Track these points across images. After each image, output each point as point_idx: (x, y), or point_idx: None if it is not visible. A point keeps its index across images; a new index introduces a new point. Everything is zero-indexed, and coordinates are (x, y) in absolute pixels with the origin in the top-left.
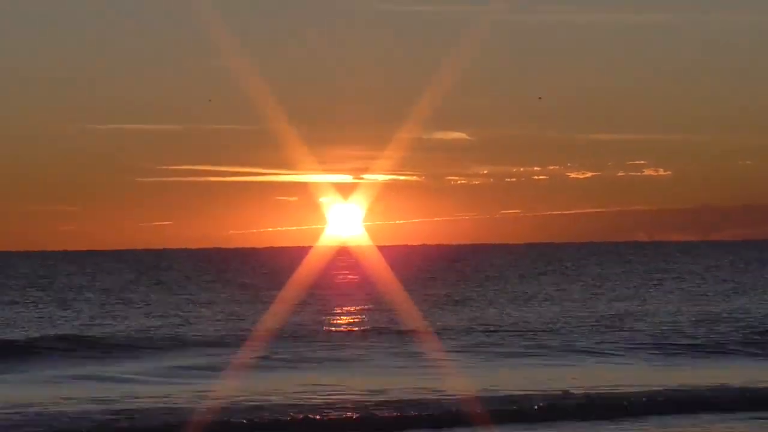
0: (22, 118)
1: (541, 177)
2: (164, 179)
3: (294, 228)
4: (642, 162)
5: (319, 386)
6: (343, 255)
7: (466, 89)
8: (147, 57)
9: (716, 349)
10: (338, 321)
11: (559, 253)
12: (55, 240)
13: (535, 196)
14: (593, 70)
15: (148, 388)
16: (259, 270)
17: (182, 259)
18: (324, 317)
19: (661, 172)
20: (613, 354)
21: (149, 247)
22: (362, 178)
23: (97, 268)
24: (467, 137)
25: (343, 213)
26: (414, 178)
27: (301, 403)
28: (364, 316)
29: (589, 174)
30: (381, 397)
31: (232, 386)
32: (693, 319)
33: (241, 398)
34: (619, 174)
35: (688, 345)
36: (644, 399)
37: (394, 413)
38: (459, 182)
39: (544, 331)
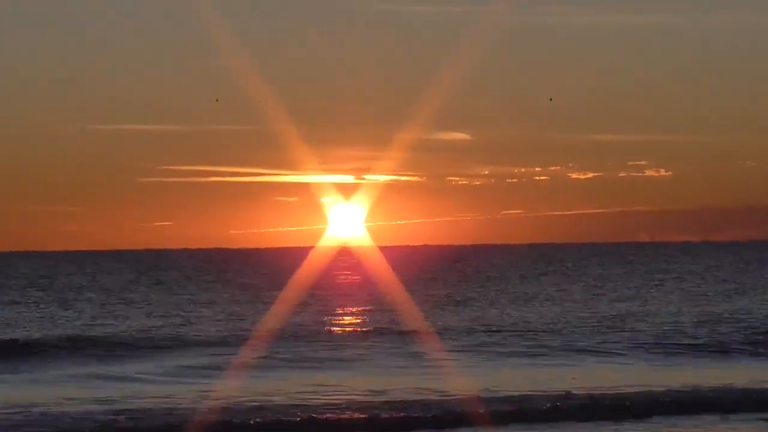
0: (22, 118)
1: (542, 177)
2: (165, 179)
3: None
4: (643, 162)
5: (322, 387)
6: (344, 255)
7: (468, 90)
8: (147, 57)
9: (718, 350)
10: (339, 321)
11: (561, 254)
12: (57, 240)
13: (537, 197)
14: (594, 71)
15: (150, 388)
16: (260, 270)
17: (183, 259)
18: (325, 317)
19: (663, 172)
20: (614, 354)
21: (150, 247)
22: (363, 179)
23: (98, 268)
24: (469, 138)
25: (345, 213)
26: (415, 178)
27: (304, 403)
28: (365, 317)
29: (590, 174)
30: (383, 398)
31: (234, 386)
32: (695, 319)
33: (244, 398)
34: (621, 174)
35: (690, 345)
36: (647, 399)
37: (397, 414)
38: (460, 183)
39: (545, 331)
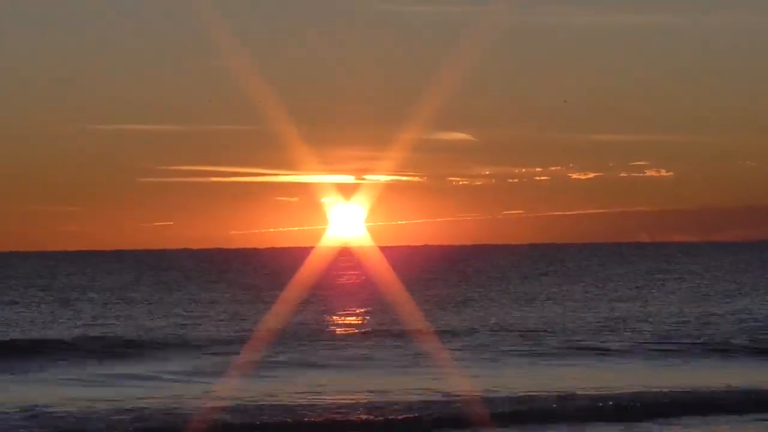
0: (22, 118)
1: (543, 178)
2: (165, 180)
3: (295, 228)
4: (644, 163)
5: (324, 387)
6: (345, 256)
7: (469, 90)
8: (147, 57)
9: (720, 350)
10: (341, 322)
11: (561, 254)
12: (56, 240)
13: (538, 197)
14: (595, 71)
15: (153, 389)
16: (261, 270)
17: (183, 259)
18: (326, 318)
19: (663, 172)
20: (617, 355)
21: (150, 247)
22: (364, 179)
23: (99, 269)
24: (469, 138)
25: (345, 213)
26: (416, 178)
27: (307, 404)
28: (366, 317)
29: (591, 175)
30: (386, 398)
31: (237, 387)
32: (697, 320)
33: (247, 399)
34: (621, 175)
35: (691, 346)
36: (651, 400)
37: (400, 415)
38: (461, 183)
39: (546, 331)
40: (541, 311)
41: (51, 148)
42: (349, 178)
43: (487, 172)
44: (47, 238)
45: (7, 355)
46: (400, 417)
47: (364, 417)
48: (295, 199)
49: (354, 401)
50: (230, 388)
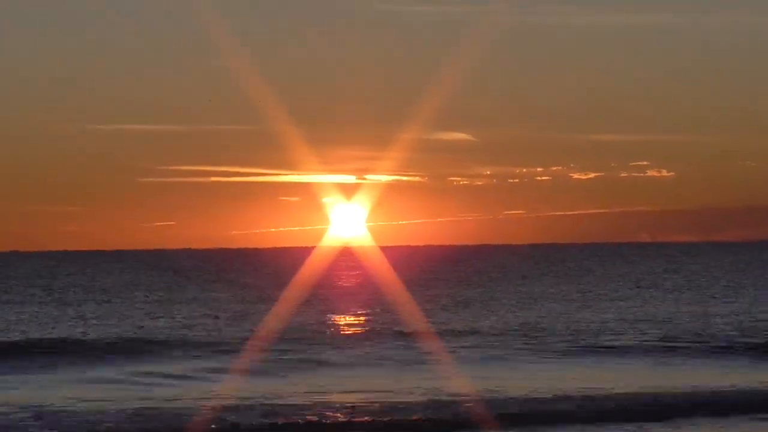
0: (22, 118)
1: (544, 178)
2: (167, 180)
3: (297, 228)
4: (645, 163)
5: (327, 389)
6: (346, 255)
7: (469, 90)
8: (147, 57)
9: (722, 350)
10: (343, 322)
11: (563, 254)
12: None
13: (538, 197)
14: (596, 71)
15: (156, 390)
16: (262, 270)
17: (184, 259)
18: (329, 319)
19: (664, 173)
20: (621, 355)
21: (151, 247)
22: (365, 179)
23: (100, 269)
24: (470, 138)
25: (346, 213)
26: (417, 178)
27: (310, 405)
28: (368, 318)
29: (592, 175)
30: (390, 400)
31: (240, 388)
32: (699, 320)
33: (250, 400)
34: (622, 175)
35: (696, 345)
36: (651, 401)
37: (403, 417)
38: (462, 183)
39: (548, 331)
40: (544, 312)
41: (51, 148)
42: (350, 178)
43: (488, 172)
44: (47, 238)
45: (8, 356)
46: (405, 418)
47: (368, 418)
48: (297, 199)
49: (358, 402)
50: (234, 389)
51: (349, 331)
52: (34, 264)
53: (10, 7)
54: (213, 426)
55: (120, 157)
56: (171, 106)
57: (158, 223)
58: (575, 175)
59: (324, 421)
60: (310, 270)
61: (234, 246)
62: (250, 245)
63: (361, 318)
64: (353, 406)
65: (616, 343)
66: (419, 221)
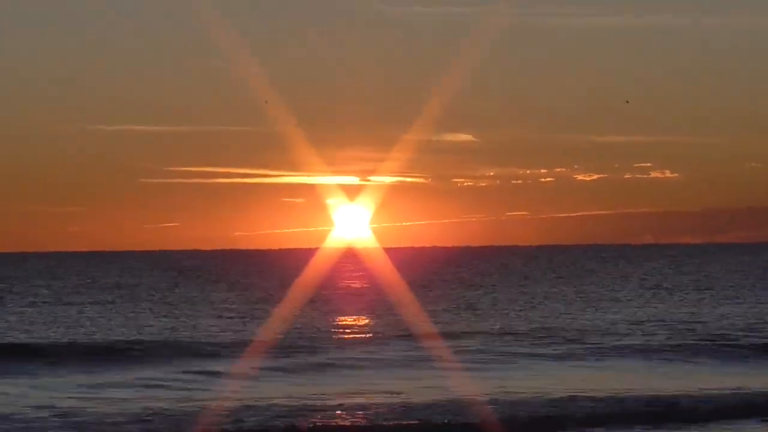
0: (22, 118)
1: (547, 179)
2: (170, 181)
3: (300, 230)
4: (648, 164)
5: (332, 390)
6: (350, 257)
7: (473, 91)
8: (147, 57)
9: (730, 351)
10: (348, 324)
11: (566, 255)
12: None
13: (542, 199)
14: (599, 72)
15: (161, 392)
16: (266, 272)
17: (189, 260)
18: (333, 321)
19: (668, 174)
20: (628, 356)
21: (155, 248)
22: (369, 180)
23: (105, 270)
24: (474, 139)
25: (350, 215)
26: (421, 179)
27: (314, 406)
28: (373, 320)
29: (595, 176)
30: (397, 401)
31: (248, 390)
32: (708, 320)
33: (254, 402)
34: (626, 176)
35: (703, 346)
36: (653, 401)
37: (411, 421)
38: (466, 184)
39: (553, 332)
40: (547, 312)
41: (51, 149)
42: (353, 180)
43: (492, 174)
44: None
45: (9, 357)
46: (411, 421)
47: (374, 419)
48: (300, 200)
49: (366, 404)
50: (241, 391)
51: (355, 332)
52: (36, 264)
53: (10, 7)
54: (223, 428)
55: (121, 158)
56: (172, 106)
57: (162, 225)
58: (579, 177)
59: (332, 423)
60: (314, 271)
61: (237, 247)
62: (254, 246)
63: (366, 320)
64: (367, 409)
65: (625, 345)
66: (423, 222)
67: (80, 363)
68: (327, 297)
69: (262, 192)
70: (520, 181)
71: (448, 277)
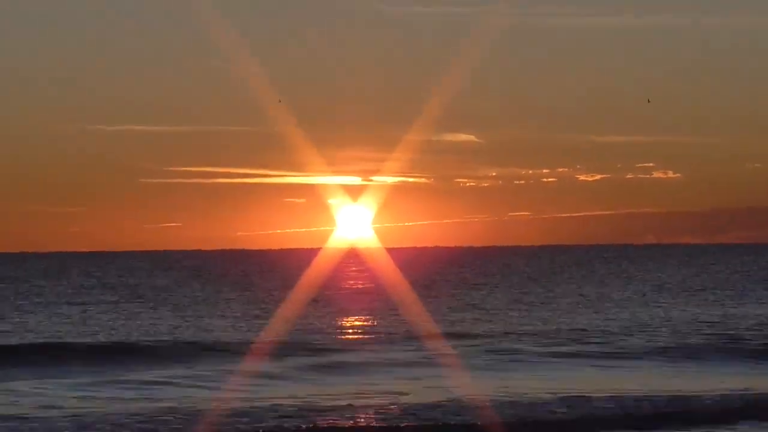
0: (22, 118)
1: (550, 179)
2: (171, 181)
3: (303, 230)
4: (651, 164)
5: (337, 392)
6: (352, 257)
7: (474, 91)
8: (147, 57)
9: (736, 352)
10: (352, 325)
11: (569, 255)
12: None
13: (544, 199)
14: (602, 72)
15: (166, 394)
16: (269, 272)
17: (189, 260)
18: (336, 321)
19: (670, 174)
20: (634, 358)
21: (157, 248)
22: (371, 180)
23: (106, 270)
24: (476, 139)
25: (352, 215)
26: (423, 180)
27: (319, 407)
28: (376, 320)
29: (597, 176)
30: (402, 401)
31: (254, 391)
32: (713, 322)
33: (258, 403)
34: (628, 176)
35: (710, 348)
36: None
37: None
38: (468, 184)
39: (554, 333)
40: (550, 313)
41: (52, 149)
42: (356, 180)
43: (494, 174)
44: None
45: (14, 358)
46: (414, 422)
47: (378, 420)
48: (302, 200)
49: (371, 406)
50: (243, 391)
51: (358, 333)
52: (37, 264)
53: (10, 7)
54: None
55: (121, 158)
56: (172, 106)
57: (164, 225)
58: (581, 177)
59: (341, 424)
60: (316, 271)
61: (239, 247)
62: (256, 247)
63: (369, 320)
64: (371, 409)
65: (631, 346)
66: (425, 223)
67: (85, 363)
68: (330, 297)
69: (263, 192)
70: (522, 182)
71: (451, 278)
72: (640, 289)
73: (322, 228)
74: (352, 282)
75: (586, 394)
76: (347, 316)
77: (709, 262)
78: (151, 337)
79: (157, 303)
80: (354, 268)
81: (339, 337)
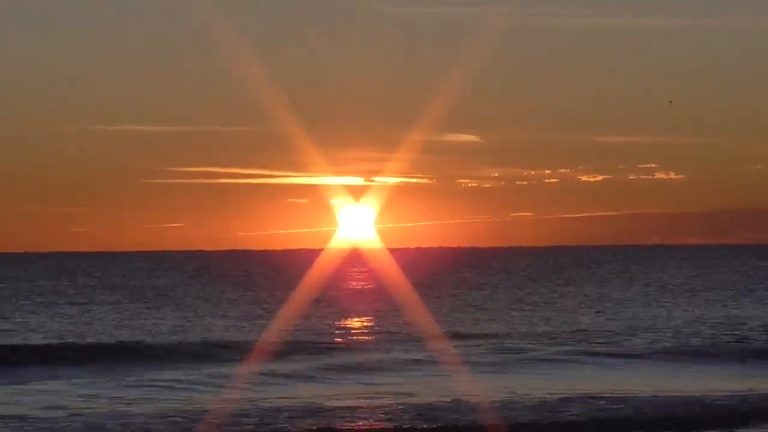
0: (22, 118)
1: (552, 180)
2: (171, 181)
3: (305, 230)
4: (653, 165)
5: (341, 393)
6: (354, 257)
7: (476, 91)
8: (147, 57)
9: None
10: (355, 326)
11: (571, 257)
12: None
13: (547, 199)
14: (602, 73)
15: (170, 395)
16: (271, 272)
17: (191, 261)
18: (339, 322)
19: (672, 175)
20: (640, 359)
21: (159, 248)
22: (373, 181)
23: (109, 270)
24: (478, 140)
25: (355, 215)
26: (425, 180)
27: (322, 409)
28: (379, 321)
29: (600, 177)
30: (405, 402)
31: (252, 393)
32: (716, 323)
33: (264, 404)
34: (631, 177)
35: (714, 349)
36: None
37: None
38: (470, 185)
39: (556, 334)
40: (554, 314)
41: (52, 149)
42: (358, 180)
43: (496, 174)
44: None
45: (18, 358)
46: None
47: (381, 421)
48: (305, 200)
49: (370, 405)
50: (246, 392)
51: (360, 334)
52: (38, 264)
53: (10, 7)
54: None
55: (121, 158)
56: (172, 106)
57: (165, 225)
58: (583, 178)
59: (344, 425)
60: (319, 272)
61: (242, 248)
62: (258, 247)
63: (372, 321)
64: (374, 410)
65: (637, 347)
66: (427, 223)
67: (89, 363)
68: (332, 297)
69: (266, 192)
70: (524, 182)
71: (454, 278)
72: (644, 289)
73: (324, 228)
74: (354, 282)
75: (593, 395)
76: (350, 317)
77: (713, 263)
78: (153, 338)
79: (160, 303)
80: (356, 269)
81: (342, 337)
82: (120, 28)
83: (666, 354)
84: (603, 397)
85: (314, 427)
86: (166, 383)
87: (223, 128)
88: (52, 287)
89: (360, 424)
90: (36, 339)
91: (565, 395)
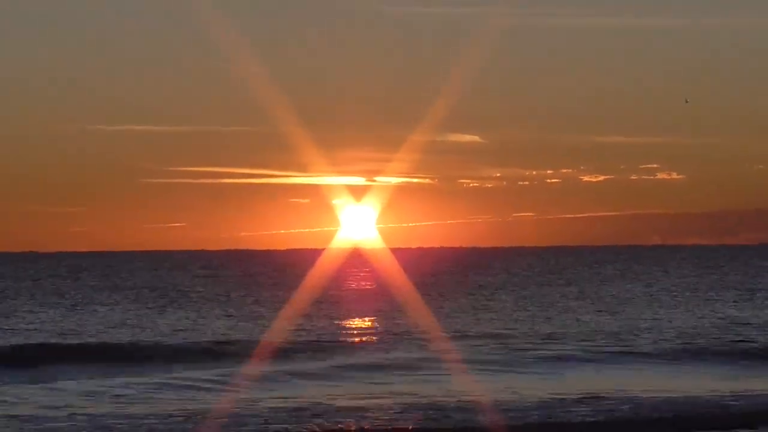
0: (22, 118)
1: (554, 180)
2: (171, 181)
3: (307, 230)
4: (655, 165)
5: (342, 394)
6: (356, 257)
7: (477, 92)
8: (147, 57)
9: (743, 355)
10: (356, 326)
11: (574, 257)
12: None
13: (548, 200)
14: (604, 73)
15: (172, 396)
16: (273, 272)
17: (193, 261)
18: (341, 323)
19: (674, 175)
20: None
21: (160, 248)
22: (375, 181)
23: (111, 271)
24: (480, 140)
25: (356, 215)
26: (427, 180)
27: (325, 409)
28: (381, 321)
29: (602, 177)
30: (407, 402)
31: (253, 393)
32: (719, 324)
33: (267, 404)
34: (632, 177)
35: (715, 350)
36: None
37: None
38: (472, 185)
39: (558, 334)
40: (556, 314)
41: (52, 149)
42: (360, 180)
43: (498, 175)
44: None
45: (22, 359)
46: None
47: (383, 422)
48: (307, 200)
49: (372, 405)
50: (250, 392)
51: (362, 334)
52: (38, 264)
53: (10, 7)
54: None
55: (122, 158)
56: (172, 106)
57: (168, 225)
58: (585, 178)
59: (346, 426)
60: (320, 272)
61: (244, 247)
62: (260, 247)
63: (374, 321)
64: (376, 411)
65: (639, 347)
66: (429, 223)
67: (92, 363)
68: (334, 297)
69: (268, 192)
70: (526, 183)
71: (456, 278)
72: (646, 289)
73: (326, 228)
74: (356, 282)
75: (596, 395)
76: (352, 317)
77: (714, 263)
78: (155, 338)
79: (162, 303)
80: (358, 269)
81: (344, 337)
82: (120, 28)
83: (668, 354)
84: (605, 397)
85: (318, 428)
86: (169, 383)
87: (223, 128)
88: (52, 287)
89: (365, 424)
90: (37, 338)
91: (567, 395)
